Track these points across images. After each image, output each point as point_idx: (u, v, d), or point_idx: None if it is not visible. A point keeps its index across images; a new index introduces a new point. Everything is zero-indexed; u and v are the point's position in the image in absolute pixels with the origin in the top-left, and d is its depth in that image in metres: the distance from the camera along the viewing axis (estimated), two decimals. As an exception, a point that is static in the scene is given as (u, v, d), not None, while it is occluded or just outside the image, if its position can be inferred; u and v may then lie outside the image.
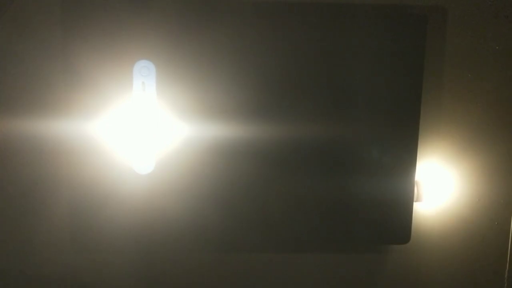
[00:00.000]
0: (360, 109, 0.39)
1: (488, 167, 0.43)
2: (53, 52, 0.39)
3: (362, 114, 0.39)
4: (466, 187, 0.43)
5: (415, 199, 0.40)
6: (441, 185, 0.42)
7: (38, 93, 0.39)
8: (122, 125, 0.38)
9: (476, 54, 0.42)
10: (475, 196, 0.43)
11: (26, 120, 0.40)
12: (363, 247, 0.43)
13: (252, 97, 0.38)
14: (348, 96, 0.39)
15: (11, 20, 0.39)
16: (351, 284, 0.44)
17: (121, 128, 0.38)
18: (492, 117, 0.42)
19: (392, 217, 0.40)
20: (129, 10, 0.37)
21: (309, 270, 0.43)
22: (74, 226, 0.39)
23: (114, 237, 0.39)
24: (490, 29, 0.41)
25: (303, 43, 0.38)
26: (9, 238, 0.41)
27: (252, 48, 0.38)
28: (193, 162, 0.38)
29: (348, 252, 0.43)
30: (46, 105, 0.39)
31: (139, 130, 0.38)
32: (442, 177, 0.42)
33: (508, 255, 0.44)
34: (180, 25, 0.37)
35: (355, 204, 0.40)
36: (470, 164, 0.42)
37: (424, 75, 0.39)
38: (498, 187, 0.43)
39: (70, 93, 0.37)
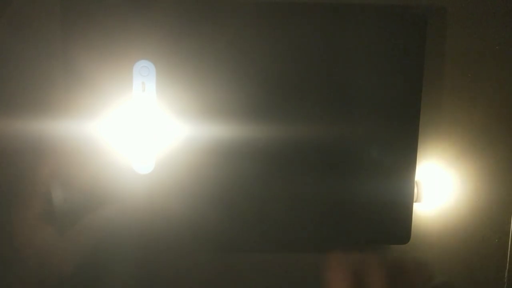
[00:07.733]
0: (360, 109, 0.39)
1: (488, 167, 0.43)
2: (53, 52, 0.39)
3: (362, 114, 0.39)
4: (466, 187, 0.43)
5: (415, 199, 0.40)
6: (441, 186, 0.42)
7: (38, 93, 0.39)
8: (122, 125, 0.38)
9: (476, 54, 0.42)
10: (475, 196, 0.43)
11: (26, 120, 0.40)
12: (363, 247, 0.43)
13: (253, 97, 0.38)
14: (348, 96, 0.39)
15: (11, 20, 0.39)
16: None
17: (121, 128, 0.38)
18: (492, 117, 0.42)
19: (392, 217, 0.40)
20: (129, 10, 0.37)
21: (309, 270, 0.43)
22: (74, 226, 0.39)
23: (114, 237, 0.39)
24: (490, 29, 0.41)
25: (303, 43, 0.38)
26: (8, 238, 0.41)
27: (253, 48, 0.38)
28: (193, 162, 0.38)
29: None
30: (46, 105, 0.39)
31: (139, 130, 0.38)
32: (442, 177, 0.42)
33: (508, 255, 0.44)
34: (180, 25, 0.37)
35: (355, 204, 0.40)
36: (470, 164, 0.42)
37: (424, 75, 0.39)
38: (498, 187, 0.43)
39: (70, 93, 0.37)
